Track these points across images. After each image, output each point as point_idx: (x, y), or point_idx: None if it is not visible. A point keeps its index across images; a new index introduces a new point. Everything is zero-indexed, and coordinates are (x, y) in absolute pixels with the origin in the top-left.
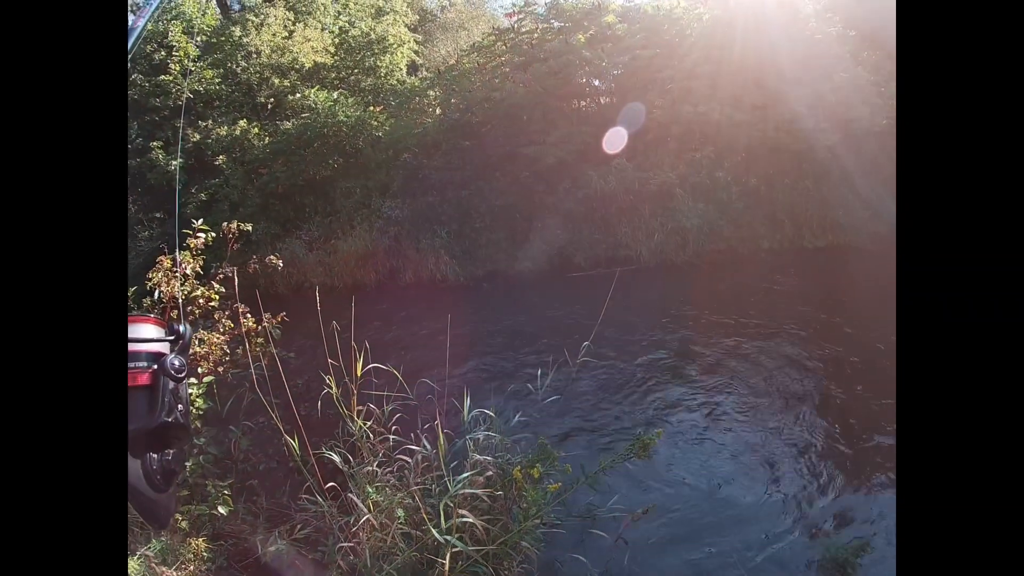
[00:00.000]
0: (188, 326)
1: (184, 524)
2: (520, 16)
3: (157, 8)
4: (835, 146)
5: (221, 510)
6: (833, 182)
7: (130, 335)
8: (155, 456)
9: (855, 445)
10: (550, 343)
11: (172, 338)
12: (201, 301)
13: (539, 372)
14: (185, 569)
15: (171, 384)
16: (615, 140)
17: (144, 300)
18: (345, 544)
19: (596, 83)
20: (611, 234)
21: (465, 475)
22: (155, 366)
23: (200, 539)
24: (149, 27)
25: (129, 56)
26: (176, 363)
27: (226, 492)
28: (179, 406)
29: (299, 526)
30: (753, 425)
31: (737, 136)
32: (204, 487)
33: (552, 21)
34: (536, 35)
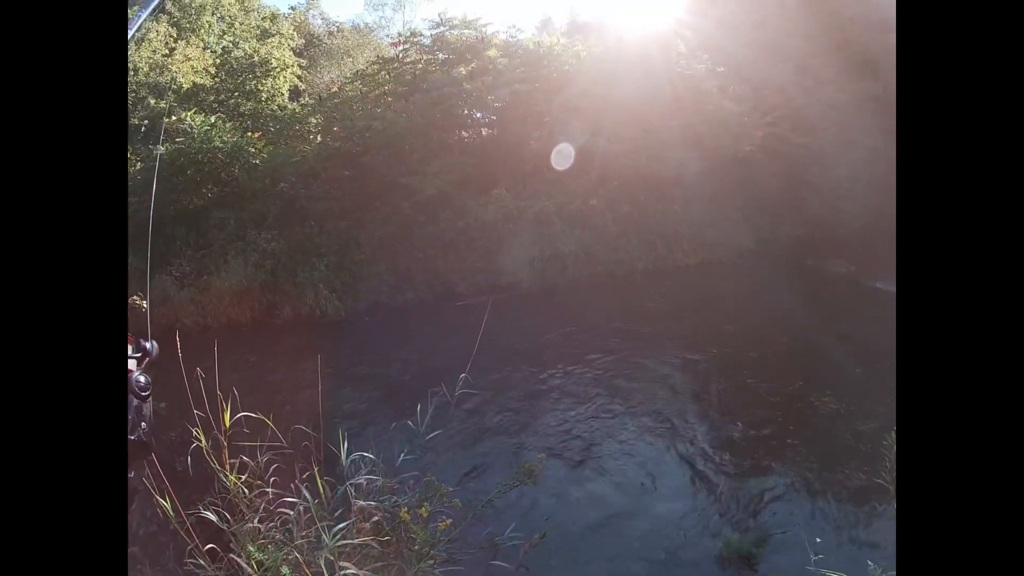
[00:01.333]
0: (155, 344)
1: None
2: (405, 46)
3: (144, 17)
4: (703, 172)
5: None
6: (702, 205)
7: None
8: None
9: (747, 447)
10: (432, 376)
11: (139, 355)
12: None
13: (418, 408)
14: None
15: (135, 402)
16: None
17: None
18: None
19: (477, 115)
20: (492, 262)
21: (342, 525)
22: None
23: None
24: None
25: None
26: (141, 380)
27: None
28: (142, 424)
29: None
30: (639, 439)
31: (611, 165)
32: None
33: (436, 52)
34: (420, 66)
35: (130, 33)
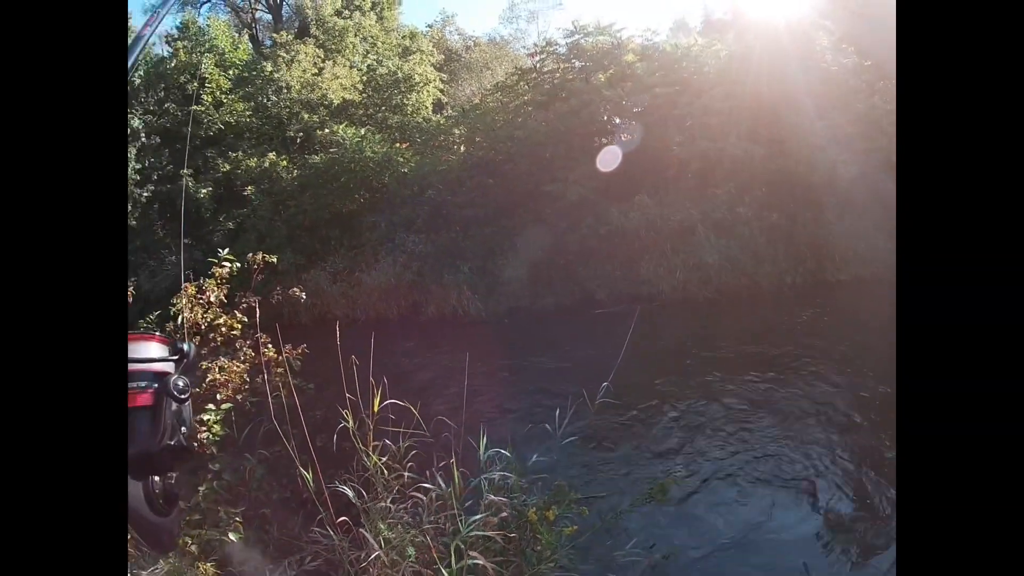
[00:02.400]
0: (192, 345)
1: (194, 548)
2: (542, 56)
3: (163, 17)
4: (855, 178)
5: (232, 537)
6: (854, 214)
7: (132, 354)
8: (157, 479)
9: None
10: (571, 381)
11: (176, 358)
12: (223, 329)
13: (557, 412)
14: None
15: (174, 405)
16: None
17: (168, 325)
18: None
19: (617, 121)
20: (633, 270)
21: (478, 516)
22: (157, 386)
23: (208, 564)
24: (182, 56)
25: (132, 64)
26: (179, 383)
27: (237, 519)
28: (182, 428)
29: (309, 558)
30: (777, 467)
31: (757, 171)
32: (216, 513)
33: (573, 61)
34: (558, 74)
35: (137, 46)
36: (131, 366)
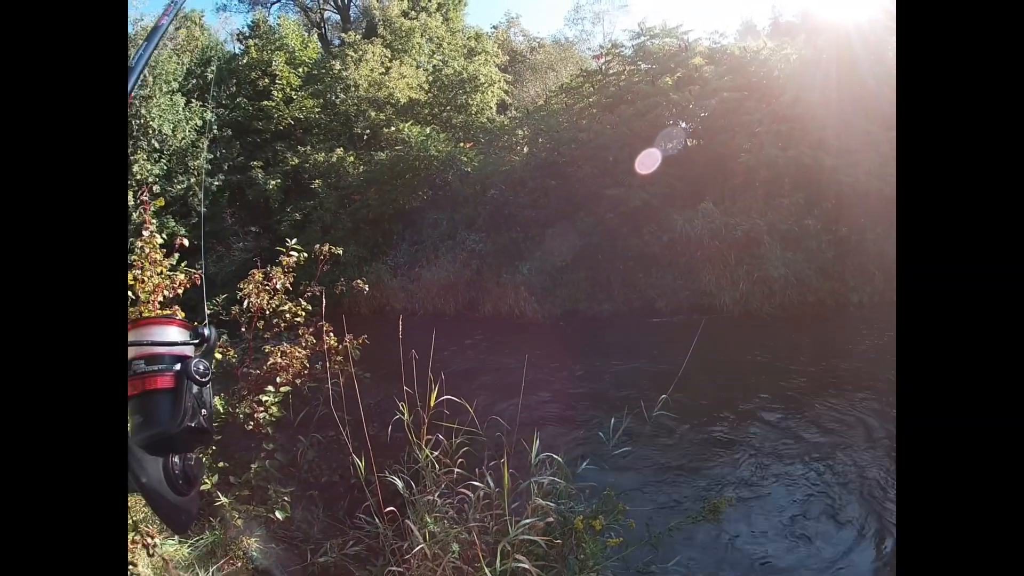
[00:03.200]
0: (213, 329)
1: (240, 522)
2: (608, 58)
3: (180, 6)
4: None
5: (278, 514)
6: None
7: (155, 337)
8: (177, 460)
9: None
10: (626, 390)
11: (197, 341)
12: (288, 315)
13: (612, 420)
14: (233, 565)
15: (195, 388)
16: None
17: (233, 308)
18: (395, 568)
19: (683, 125)
20: (695, 280)
21: (527, 520)
22: (178, 369)
23: (253, 539)
24: (253, 54)
25: (152, 55)
26: (200, 367)
27: (286, 498)
28: (202, 410)
29: (351, 543)
30: (835, 501)
31: (827, 181)
32: (266, 490)
33: (639, 63)
34: (623, 77)
35: (156, 36)
36: (153, 349)
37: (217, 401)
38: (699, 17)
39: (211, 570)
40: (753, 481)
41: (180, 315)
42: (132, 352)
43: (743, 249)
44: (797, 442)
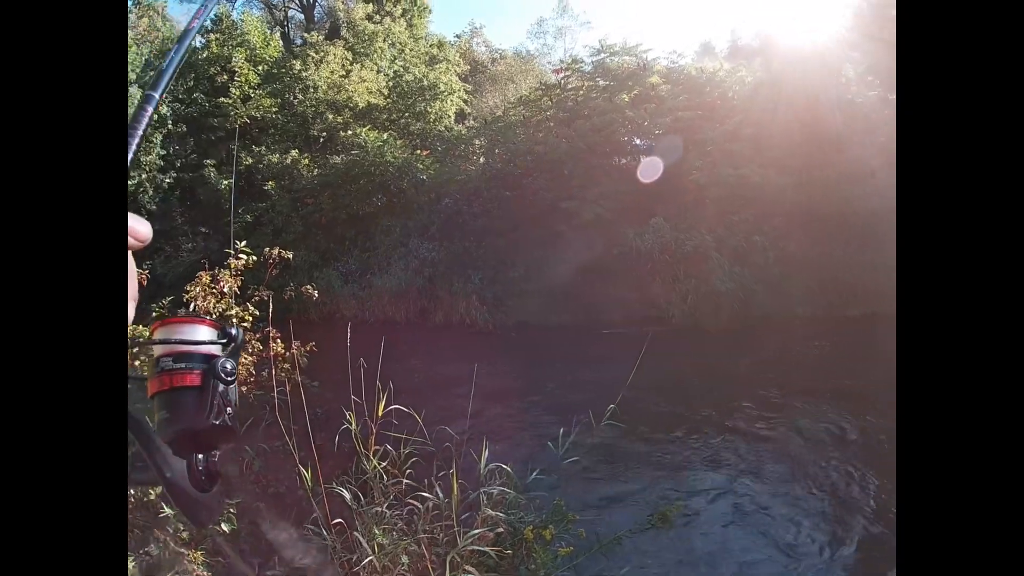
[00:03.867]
0: (240, 330)
1: (185, 535)
2: (567, 73)
3: (212, 9)
4: (875, 212)
5: (224, 527)
6: (872, 249)
7: (184, 336)
8: (201, 457)
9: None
10: (576, 400)
11: (224, 341)
12: (234, 320)
13: (561, 431)
14: None
15: (221, 387)
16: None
17: (179, 311)
18: None
19: (638, 141)
20: (644, 293)
21: (476, 531)
22: (206, 367)
23: (198, 552)
24: (214, 48)
25: (180, 59)
26: (227, 366)
27: (232, 511)
28: (228, 409)
29: (300, 555)
30: (780, 505)
31: (776, 200)
32: None
33: (598, 79)
34: (581, 92)
35: (187, 39)
36: (182, 347)
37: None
38: (659, 37)
39: None
40: (702, 489)
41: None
42: (160, 350)
43: (692, 264)
44: (744, 450)
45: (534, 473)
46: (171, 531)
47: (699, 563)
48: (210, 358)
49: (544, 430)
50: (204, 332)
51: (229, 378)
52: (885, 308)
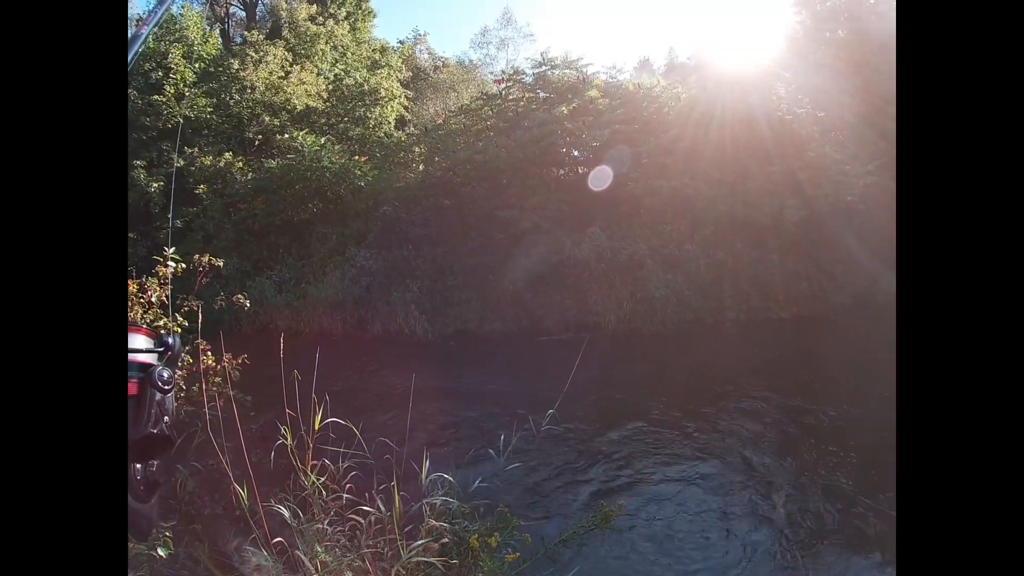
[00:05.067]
0: (178, 338)
1: None
2: (508, 83)
3: (162, 15)
4: (801, 221)
5: (160, 552)
6: (799, 255)
7: None
8: (139, 467)
9: (827, 521)
10: (515, 407)
11: (161, 349)
12: (171, 328)
13: (502, 437)
14: None
15: (158, 395)
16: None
17: None
18: None
19: (575, 153)
20: (581, 300)
21: (420, 542)
22: (143, 376)
23: None
24: (151, 43)
25: (130, 63)
26: (164, 374)
27: (167, 534)
28: (164, 418)
29: None
30: (720, 500)
31: (707, 210)
32: None
33: (538, 91)
34: (522, 103)
35: (133, 46)
36: None
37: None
38: (600, 52)
39: None
40: (643, 489)
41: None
42: None
43: (627, 271)
44: (681, 450)
45: (477, 481)
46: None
47: (643, 562)
48: (147, 367)
49: (485, 437)
50: (140, 340)
51: (166, 387)
52: (809, 311)
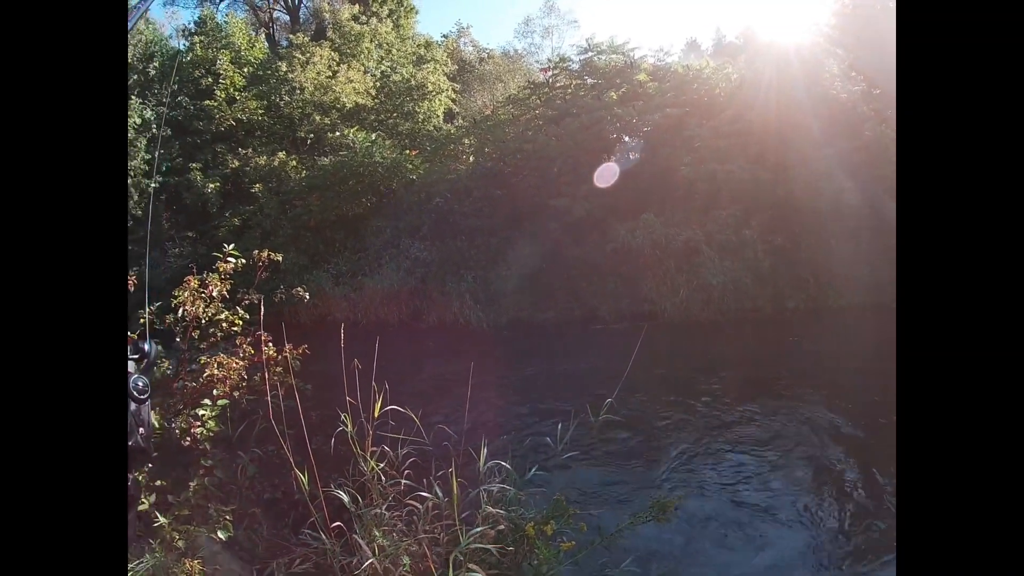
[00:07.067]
0: (154, 345)
1: (180, 543)
2: (555, 71)
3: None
4: (860, 205)
5: (220, 534)
6: (858, 241)
7: None
8: None
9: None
10: (571, 396)
11: (136, 356)
12: (224, 325)
13: (559, 426)
14: None
15: (132, 405)
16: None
17: (167, 317)
18: None
19: (626, 139)
20: (636, 288)
21: (478, 529)
22: None
23: (195, 561)
24: (198, 51)
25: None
26: (139, 384)
27: (227, 517)
28: (140, 429)
29: (298, 560)
30: (779, 497)
31: (763, 195)
32: (206, 509)
33: (585, 77)
34: (570, 90)
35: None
36: None
37: (153, 416)
38: (646, 35)
39: None
40: (702, 482)
41: None
42: None
43: (683, 258)
44: (741, 442)
45: (533, 469)
46: (166, 540)
47: (698, 554)
48: None
49: (542, 425)
50: None
51: (142, 396)
52: (869, 299)
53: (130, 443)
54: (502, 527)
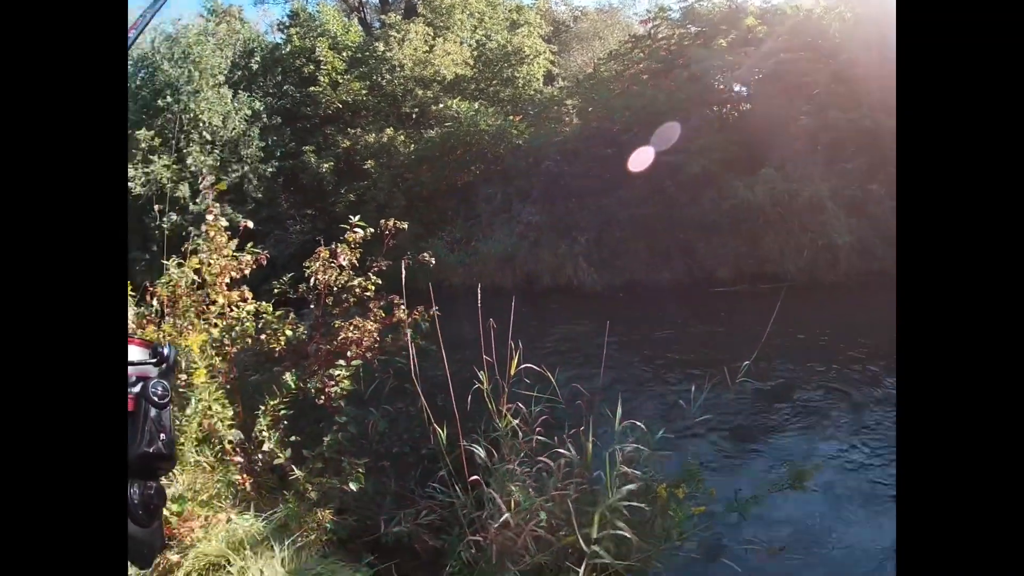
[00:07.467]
0: (173, 348)
1: (314, 494)
2: (655, 22)
3: (149, 20)
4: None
5: (352, 486)
6: None
7: None
8: (136, 489)
9: None
10: (696, 360)
11: (155, 360)
12: (357, 291)
13: (692, 388)
14: (307, 537)
15: (153, 411)
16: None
17: (300, 287)
18: (473, 538)
19: (738, 88)
20: (757, 248)
21: (626, 488)
22: (137, 391)
23: (327, 510)
24: (296, 41)
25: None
26: (159, 389)
27: (359, 470)
28: (161, 435)
29: (424, 512)
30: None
31: (890, 145)
32: (339, 462)
33: (689, 26)
34: (673, 41)
35: (135, 30)
36: None
37: (288, 376)
38: None
39: (286, 543)
40: (837, 454)
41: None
42: None
43: (807, 216)
44: (884, 413)
45: (662, 431)
46: (299, 491)
47: (828, 531)
48: (142, 380)
49: (668, 389)
50: (135, 352)
51: (162, 401)
52: None
53: (151, 450)
54: (633, 487)
